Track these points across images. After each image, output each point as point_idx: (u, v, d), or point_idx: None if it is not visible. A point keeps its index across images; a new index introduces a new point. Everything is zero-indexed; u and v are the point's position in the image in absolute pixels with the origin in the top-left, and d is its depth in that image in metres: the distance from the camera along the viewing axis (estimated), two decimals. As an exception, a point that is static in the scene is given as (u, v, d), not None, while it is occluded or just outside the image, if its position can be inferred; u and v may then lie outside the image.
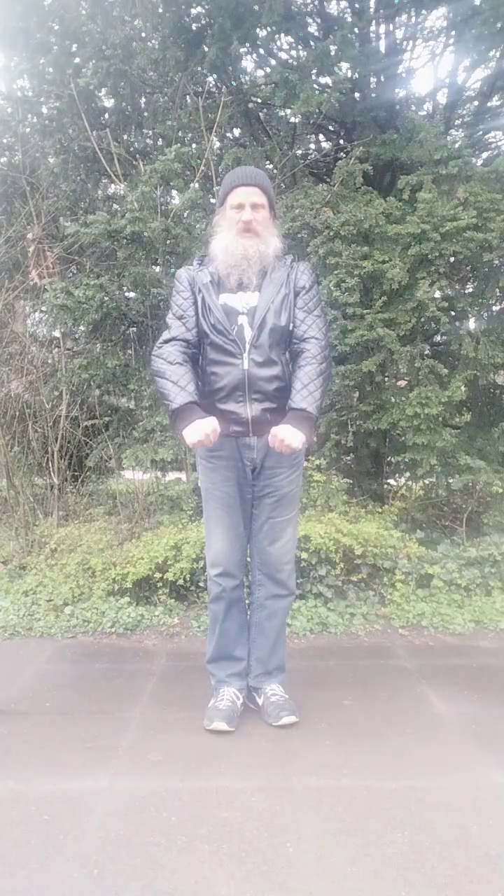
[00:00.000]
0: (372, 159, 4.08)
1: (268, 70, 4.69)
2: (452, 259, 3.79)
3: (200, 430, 2.08)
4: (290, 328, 2.26)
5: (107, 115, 4.54)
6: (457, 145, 3.76)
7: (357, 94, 4.47)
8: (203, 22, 4.25)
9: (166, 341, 2.26)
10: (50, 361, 4.72)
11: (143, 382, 4.15)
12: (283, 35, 4.52)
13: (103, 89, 4.29)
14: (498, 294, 4.05)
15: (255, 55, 4.65)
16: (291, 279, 2.28)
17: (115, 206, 4.75)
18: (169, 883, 1.56)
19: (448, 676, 2.73)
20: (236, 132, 5.02)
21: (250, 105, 4.64)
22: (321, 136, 5.20)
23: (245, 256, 2.21)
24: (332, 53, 3.93)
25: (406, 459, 3.86)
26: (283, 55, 4.78)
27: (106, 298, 3.89)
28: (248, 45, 4.27)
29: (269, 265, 2.27)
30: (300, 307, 2.27)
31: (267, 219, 2.29)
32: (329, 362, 2.27)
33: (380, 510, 3.97)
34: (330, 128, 5.01)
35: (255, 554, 2.40)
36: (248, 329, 2.21)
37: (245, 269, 2.23)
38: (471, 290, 4.24)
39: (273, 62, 4.69)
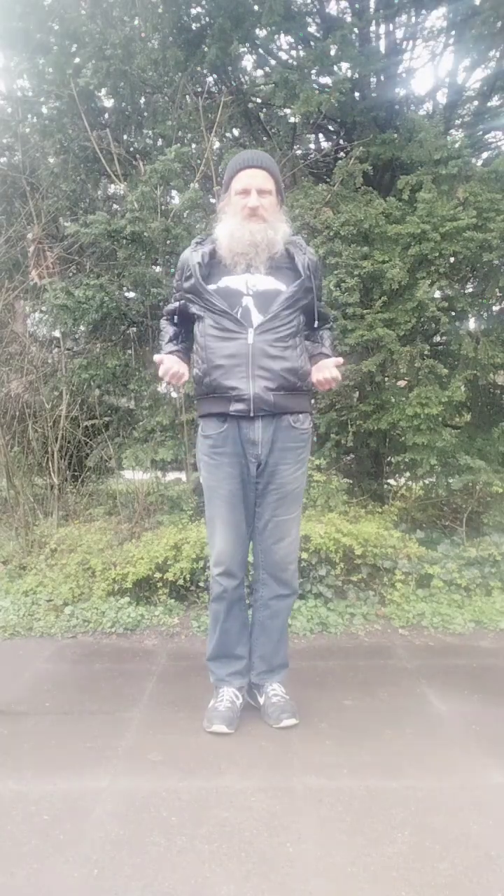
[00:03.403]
0: (372, 159, 4.09)
1: (268, 70, 4.69)
2: (452, 259, 3.79)
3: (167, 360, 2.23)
4: (305, 319, 2.29)
5: (107, 115, 4.54)
6: (457, 145, 3.76)
7: (357, 94, 4.48)
8: (203, 22, 4.25)
9: (162, 316, 2.49)
10: (50, 361, 4.71)
11: (143, 382, 4.15)
12: (283, 35, 4.52)
13: (103, 89, 4.29)
14: (498, 294, 4.05)
15: (254, 55, 4.65)
16: (313, 277, 2.25)
17: (115, 206, 4.76)
18: (169, 883, 1.56)
19: (448, 676, 2.73)
20: (236, 132, 5.03)
21: (250, 105, 4.65)
22: (321, 136, 5.21)
23: (252, 243, 2.14)
24: (332, 53, 3.94)
25: (406, 459, 3.86)
26: (283, 55, 4.79)
27: (106, 298, 3.89)
28: (248, 45, 4.27)
29: (278, 251, 2.20)
30: (320, 310, 2.36)
31: (274, 204, 2.22)
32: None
33: (380, 510, 3.97)
34: (330, 128, 5.01)
35: (259, 553, 2.37)
36: (254, 312, 2.15)
37: (253, 256, 2.16)
38: (471, 290, 4.25)
39: (273, 62, 4.69)
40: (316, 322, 2.33)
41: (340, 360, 2.33)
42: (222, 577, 2.32)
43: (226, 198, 2.27)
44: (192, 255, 2.25)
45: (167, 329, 2.42)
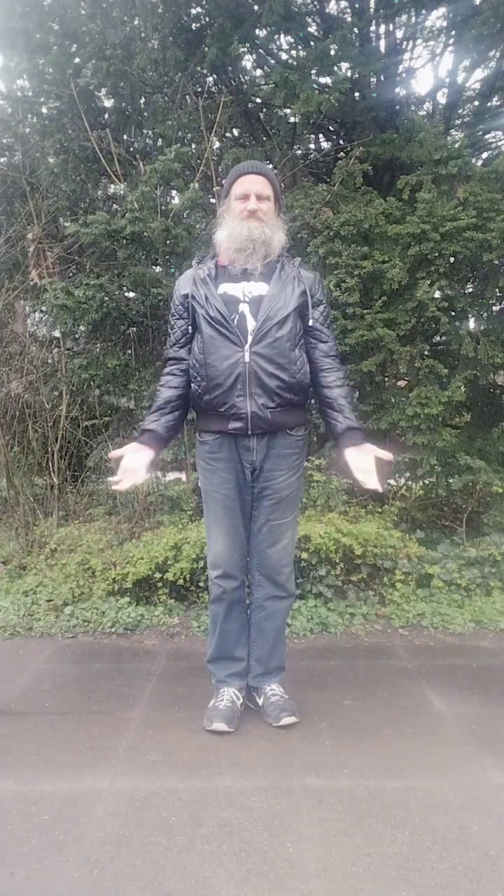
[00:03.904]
0: (372, 159, 4.08)
1: (268, 70, 4.69)
2: (452, 259, 3.78)
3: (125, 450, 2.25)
4: (302, 330, 2.24)
5: (107, 115, 4.54)
6: (457, 145, 3.76)
7: (357, 94, 4.47)
8: (203, 22, 4.25)
9: (166, 360, 2.36)
10: (50, 361, 4.71)
11: (143, 382, 4.15)
12: (283, 35, 4.52)
13: (103, 89, 4.29)
14: (498, 294, 4.05)
15: (254, 55, 4.65)
16: (305, 283, 2.24)
17: (115, 206, 4.75)
18: (169, 883, 1.56)
19: (448, 676, 2.73)
20: (236, 132, 5.03)
21: (250, 105, 4.64)
22: (321, 136, 5.20)
23: (250, 238, 2.16)
24: (332, 53, 3.93)
25: (406, 459, 3.86)
26: (283, 55, 4.78)
27: (106, 298, 3.89)
28: (248, 45, 4.26)
29: (273, 256, 2.23)
30: (316, 319, 2.26)
31: (272, 210, 2.26)
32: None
33: (380, 510, 3.97)
34: (330, 128, 5.01)
35: (255, 555, 2.38)
36: (250, 319, 2.16)
37: (251, 253, 2.18)
38: (471, 290, 4.24)
39: (273, 62, 4.69)
40: (312, 333, 2.26)
41: (390, 455, 2.14)
42: (220, 578, 2.34)
43: (225, 203, 2.31)
44: (197, 272, 2.28)
45: (162, 392, 2.30)
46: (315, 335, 2.27)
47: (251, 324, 2.16)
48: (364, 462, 2.15)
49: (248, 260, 2.19)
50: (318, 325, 2.27)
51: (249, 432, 2.20)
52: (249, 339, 2.14)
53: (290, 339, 2.18)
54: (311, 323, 2.25)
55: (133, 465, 2.20)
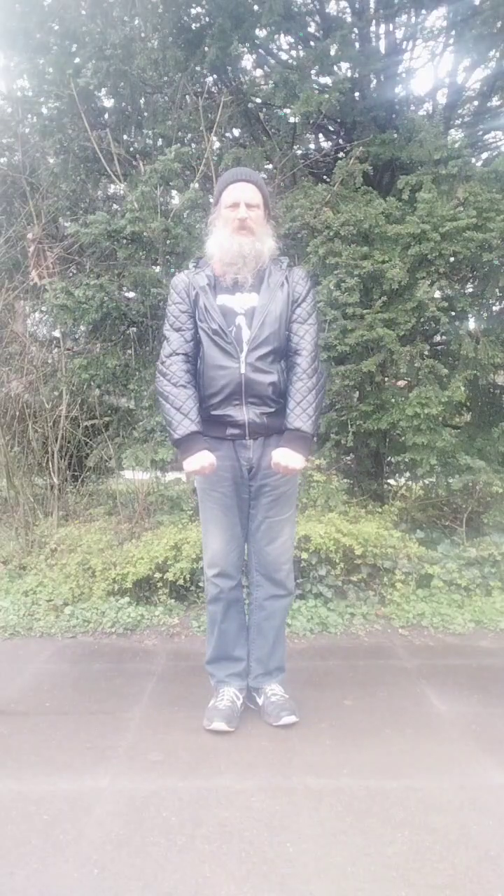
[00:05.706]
0: (372, 159, 4.09)
1: (268, 70, 4.69)
2: (452, 259, 3.79)
3: (199, 462, 2.16)
4: (288, 335, 2.26)
5: (107, 115, 4.54)
6: (457, 145, 3.76)
7: (357, 94, 4.47)
8: (203, 22, 4.25)
9: (168, 356, 2.27)
10: (50, 361, 4.72)
11: (143, 382, 4.15)
12: (282, 35, 4.52)
13: (103, 89, 4.29)
14: (498, 294, 4.05)
15: (254, 55, 4.65)
16: (290, 285, 2.28)
17: (115, 206, 4.76)
18: (169, 883, 1.56)
19: (448, 676, 2.73)
20: (236, 132, 5.03)
21: (250, 105, 4.64)
22: (321, 136, 5.20)
23: (240, 254, 2.21)
24: (332, 53, 3.94)
25: (406, 459, 3.86)
26: (283, 55, 4.78)
27: (106, 298, 3.90)
28: (247, 45, 4.27)
29: (264, 265, 2.27)
30: (294, 319, 2.27)
31: (261, 218, 2.29)
32: (320, 372, 2.27)
33: (380, 510, 3.97)
34: (330, 128, 5.01)
35: (253, 554, 2.40)
36: (245, 330, 2.21)
37: (240, 267, 2.22)
38: (471, 290, 4.24)
39: (273, 62, 4.68)
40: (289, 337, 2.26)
41: (302, 463, 2.19)
42: (217, 578, 2.35)
43: (216, 211, 2.34)
44: (195, 278, 2.29)
45: (182, 395, 2.21)
46: (292, 328, 2.28)
47: (246, 334, 2.21)
48: (277, 464, 2.18)
49: (238, 273, 2.23)
50: (291, 324, 2.27)
51: (247, 438, 2.25)
52: (245, 349, 2.19)
53: (281, 348, 2.24)
54: (292, 317, 2.28)
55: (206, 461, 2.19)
